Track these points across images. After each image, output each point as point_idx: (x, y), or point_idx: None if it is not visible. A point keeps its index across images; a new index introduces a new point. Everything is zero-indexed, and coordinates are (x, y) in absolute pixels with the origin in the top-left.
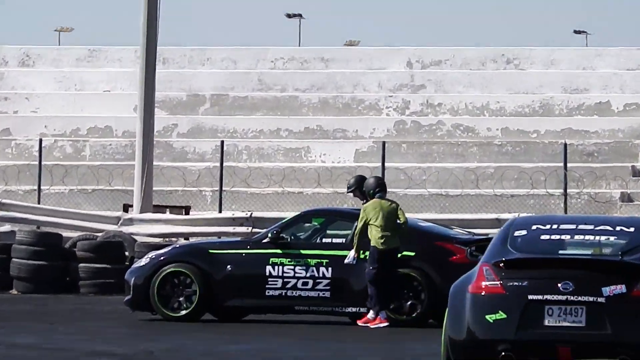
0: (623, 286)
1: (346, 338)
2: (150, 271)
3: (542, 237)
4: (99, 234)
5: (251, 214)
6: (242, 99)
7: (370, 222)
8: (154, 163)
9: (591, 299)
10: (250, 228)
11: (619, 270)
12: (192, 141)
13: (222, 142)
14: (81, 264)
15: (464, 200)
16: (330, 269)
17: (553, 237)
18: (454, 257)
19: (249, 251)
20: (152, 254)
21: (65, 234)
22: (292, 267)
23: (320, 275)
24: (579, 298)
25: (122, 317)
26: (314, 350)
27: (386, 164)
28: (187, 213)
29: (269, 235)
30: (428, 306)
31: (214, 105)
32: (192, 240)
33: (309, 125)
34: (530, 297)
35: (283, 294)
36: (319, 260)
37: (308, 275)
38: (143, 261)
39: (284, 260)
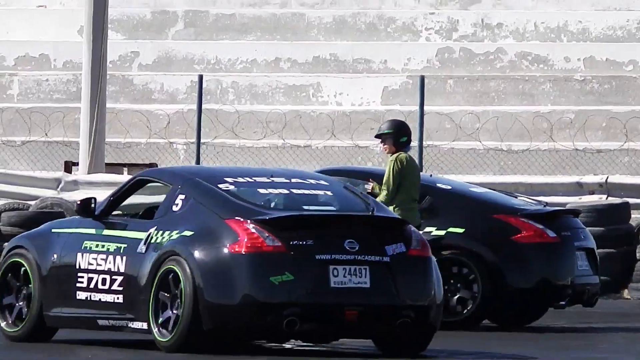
0: (402, 244)
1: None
2: None
3: (262, 191)
4: (32, 202)
5: None
6: (227, 17)
7: (401, 185)
8: (107, 105)
9: (376, 258)
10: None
11: (395, 226)
12: (158, 75)
13: (201, 76)
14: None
15: (532, 157)
16: None
17: (275, 191)
18: (518, 235)
19: None
20: None
21: None
22: None
23: None
24: (365, 257)
25: None
26: None
27: (426, 107)
28: None
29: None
30: (482, 301)
31: (188, 27)
32: None
33: (319, 53)
34: (317, 257)
35: None
36: None
37: None
38: None
39: None
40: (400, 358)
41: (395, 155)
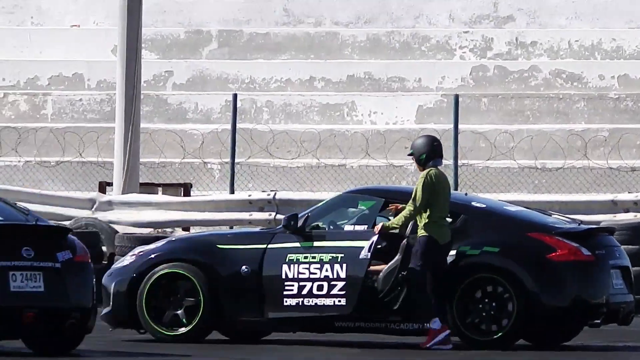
0: (69, 251)
1: None
2: (136, 274)
3: None
4: (66, 223)
5: (274, 194)
6: (261, 36)
7: (431, 201)
8: (142, 125)
9: (49, 264)
10: (273, 214)
11: (61, 234)
12: (193, 95)
13: (235, 96)
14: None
15: (567, 176)
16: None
17: None
18: (553, 254)
19: (274, 246)
20: (139, 249)
21: None
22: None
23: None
24: (39, 264)
25: (100, 336)
26: None
27: (460, 126)
28: (186, 194)
29: (296, 223)
30: (517, 321)
31: (222, 46)
32: (194, 231)
33: (353, 72)
34: None
35: (301, 302)
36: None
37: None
38: (127, 260)
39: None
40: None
41: (425, 171)
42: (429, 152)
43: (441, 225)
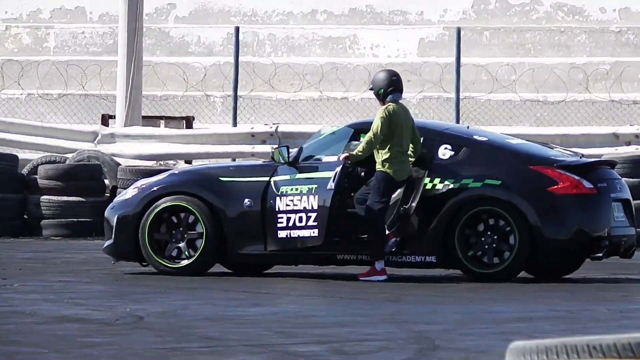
0: None
1: (405, 297)
2: (139, 207)
3: None
4: (69, 155)
5: (277, 127)
6: None
7: (389, 136)
8: (144, 58)
9: None
10: (275, 146)
11: None
12: (195, 28)
13: (237, 28)
14: (44, 197)
15: (568, 109)
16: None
17: None
18: (555, 187)
19: (277, 179)
20: (142, 182)
21: (22, 155)
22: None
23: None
24: None
25: (101, 269)
26: (359, 313)
27: (462, 59)
28: (189, 126)
29: (289, 156)
30: (519, 253)
31: None
32: (197, 163)
33: (355, 5)
34: None
35: (289, 235)
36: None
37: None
38: (129, 192)
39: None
40: None
41: (384, 106)
42: (387, 87)
43: (400, 162)
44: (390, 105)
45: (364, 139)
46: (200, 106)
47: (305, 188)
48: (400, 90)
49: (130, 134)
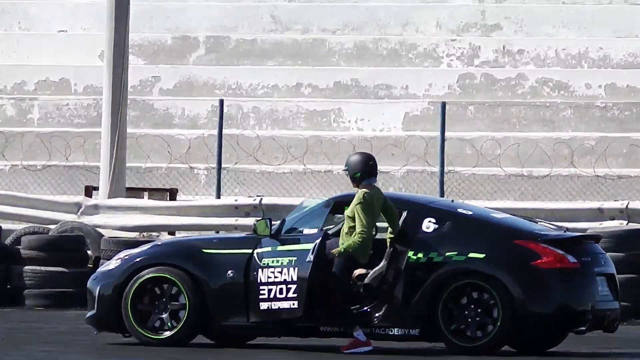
0: None
1: None
2: (122, 277)
3: None
4: (52, 226)
5: (261, 199)
6: (248, 42)
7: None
8: (128, 130)
9: None
10: (258, 219)
11: None
12: (179, 100)
13: (222, 101)
14: (27, 267)
15: (553, 183)
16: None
17: None
18: (539, 261)
19: (260, 251)
20: (125, 253)
21: (6, 225)
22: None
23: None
24: None
25: (84, 340)
26: None
27: (447, 133)
28: (172, 198)
29: (279, 229)
30: (503, 327)
31: (209, 52)
32: (180, 235)
33: (340, 79)
34: None
35: (270, 307)
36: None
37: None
38: (112, 264)
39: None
40: None
41: (361, 192)
42: (362, 171)
43: (365, 246)
44: (365, 191)
45: (356, 236)
46: (184, 178)
47: (285, 260)
48: (375, 175)
49: (114, 205)
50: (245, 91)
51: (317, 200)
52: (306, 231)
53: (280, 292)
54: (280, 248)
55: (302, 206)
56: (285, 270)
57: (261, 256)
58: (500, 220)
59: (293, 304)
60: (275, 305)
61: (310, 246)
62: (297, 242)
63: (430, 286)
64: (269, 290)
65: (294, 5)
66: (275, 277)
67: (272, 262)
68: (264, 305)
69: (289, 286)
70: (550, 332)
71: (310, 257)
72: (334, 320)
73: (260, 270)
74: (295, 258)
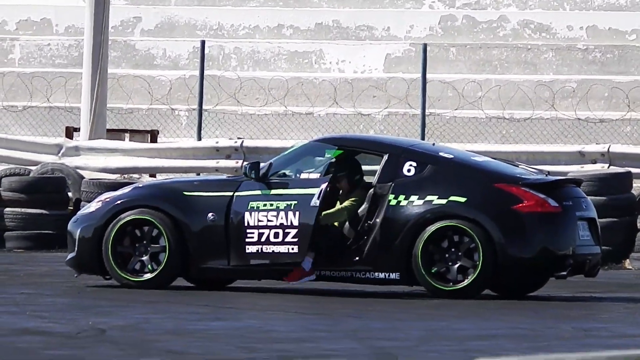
0: None
1: (367, 313)
2: (102, 220)
3: None
4: (32, 168)
5: (242, 141)
6: None
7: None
8: (109, 71)
9: None
10: (240, 161)
11: None
12: (161, 41)
13: (203, 42)
14: (7, 209)
15: (534, 126)
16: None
17: None
18: (520, 205)
19: (240, 194)
20: (106, 195)
21: None
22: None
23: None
24: None
25: (64, 282)
26: (321, 328)
27: (428, 75)
28: (153, 140)
29: (260, 171)
30: (483, 271)
31: None
32: (161, 178)
33: (322, 20)
34: None
35: (260, 250)
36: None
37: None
38: (93, 206)
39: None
40: None
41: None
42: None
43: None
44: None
45: (348, 202)
46: (165, 120)
47: (282, 204)
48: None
49: (95, 147)
50: (226, 32)
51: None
52: (304, 175)
53: (276, 236)
54: (273, 192)
55: (292, 147)
56: (282, 214)
57: (247, 199)
58: (482, 164)
59: (292, 249)
60: (269, 248)
61: (313, 191)
62: (287, 186)
63: (410, 230)
64: (260, 234)
65: None
66: (269, 220)
67: (264, 205)
68: (252, 249)
69: (287, 230)
70: (531, 276)
71: (316, 202)
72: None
73: (247, 213)
74: (296, 202)
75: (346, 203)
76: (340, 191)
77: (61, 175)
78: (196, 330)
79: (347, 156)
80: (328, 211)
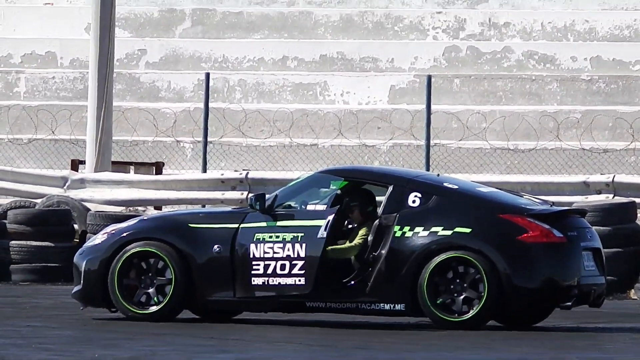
0: None
1: (374, 344)
2: (108, 252)
3: None
4: (38, 200)
5: (247, 173)
6: (234, 15)
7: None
8: (114, 103)
9: None
10: (245, 193)
11: None
12: (166, 74)
13: (208, 74)
14: (13, 242)
15: (539, 157)
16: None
17: None
18: (525, 235)
19: (246, 225)
20: (112, 228)
21: None
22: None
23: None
24: None
25: (70, 314)
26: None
27: (432, 106)
28: (158, 172)
29: (265, 203)
30: (488, 301)
31: (195, 25)
32: (166, 210)
33: (326, 52)
34: None
35: (266, 282)
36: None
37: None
38: (99, 238)
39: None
40: None
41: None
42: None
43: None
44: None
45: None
46: (170, 152)
47: (289, 236)
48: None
49: (100, 179)
50: (231, 64)
51: (308, 172)
52: (309, 207)
53: (282, 267)
54: (279, 223)
55: (297, 179)
56: (289, 245)
57: (253, 231)
58: (486, 195)
59: (299, 280)
60: (274, 280)
61: (319, 222)
62: (293, 217)
63: (416, 261)
64: (266, 266)
65: None
66: (275, 252)
67: (269, 237)
68: (257, 281)
69: (295, 262)
70: (536, 306)
71: (323, 234)
72: (322, 295)
73: (253, 245)
74: (302, 234)
75: (357, 240)
76: (351, 221)
77: (67, 207)
78: None
79: (354, 187)
80: (337, 247)
